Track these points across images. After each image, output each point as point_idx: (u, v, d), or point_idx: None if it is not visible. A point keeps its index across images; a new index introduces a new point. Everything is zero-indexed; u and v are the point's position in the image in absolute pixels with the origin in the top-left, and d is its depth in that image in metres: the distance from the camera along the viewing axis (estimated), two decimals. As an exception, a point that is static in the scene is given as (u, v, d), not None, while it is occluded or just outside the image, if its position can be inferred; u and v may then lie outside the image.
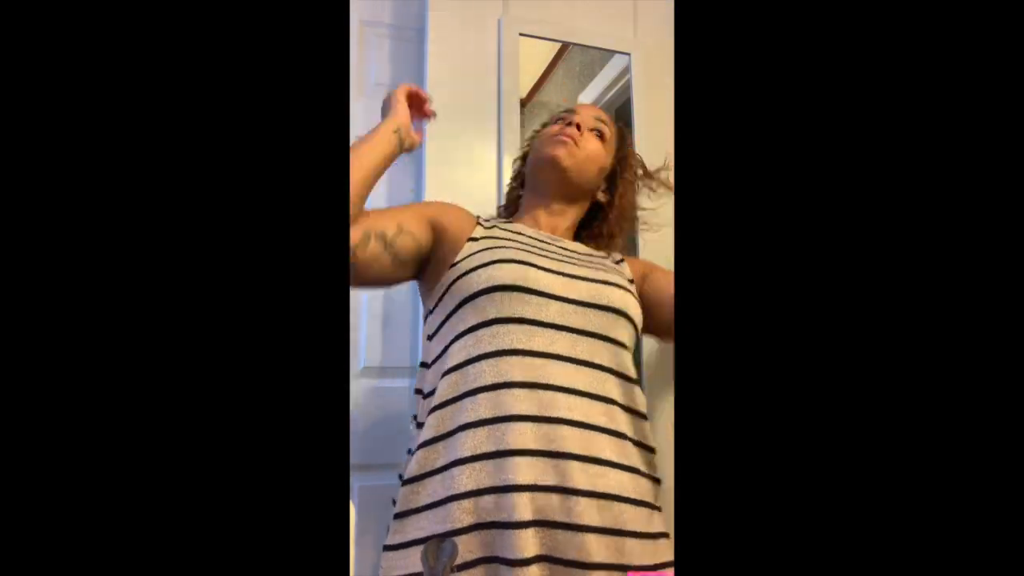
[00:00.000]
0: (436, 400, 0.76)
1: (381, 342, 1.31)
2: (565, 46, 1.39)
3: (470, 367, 0.75)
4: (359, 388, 1.29)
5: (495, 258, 0.79)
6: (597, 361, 0.78)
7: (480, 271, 0.78)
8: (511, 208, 1.05)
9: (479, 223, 0.88)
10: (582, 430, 0.73)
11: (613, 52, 1.40)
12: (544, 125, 1.04)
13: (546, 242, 0.89)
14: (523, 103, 1.34)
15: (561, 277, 0.80)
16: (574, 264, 0.85)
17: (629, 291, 0.85)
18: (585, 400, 0.75)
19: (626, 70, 1.39)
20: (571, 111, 0.99)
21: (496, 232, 0.87)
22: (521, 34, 1.31)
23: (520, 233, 0.89)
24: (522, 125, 1.31)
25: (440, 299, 0.82)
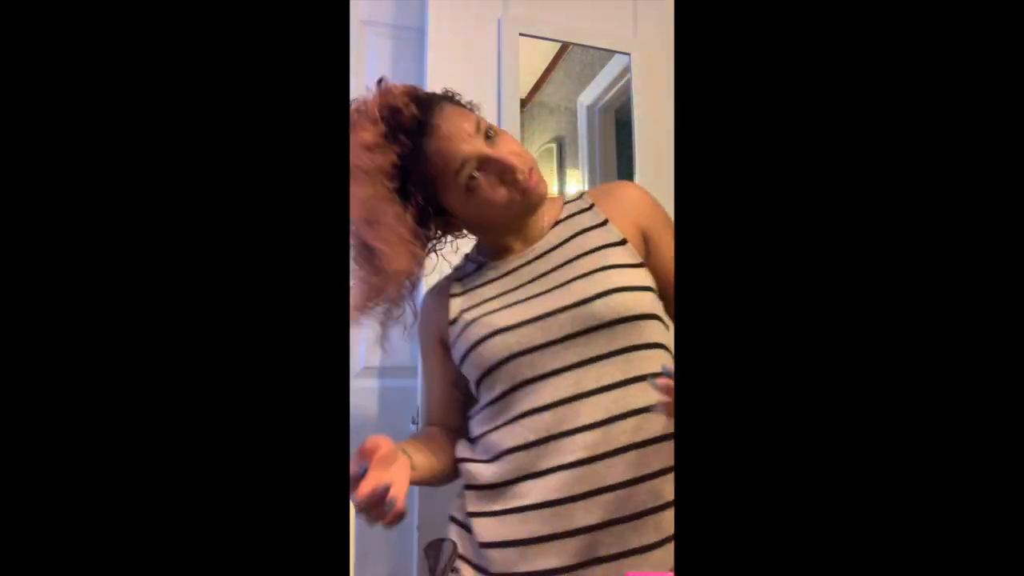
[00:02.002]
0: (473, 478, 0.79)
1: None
2: (565, 46, 1.39)
3: (488, 437, 0.78)
4: (359, 388, 1.29)
5: (473, 341, 0.78)
6: (608, 382, 0.73)
7: (470, 356, 0.79)
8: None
9: (450, 296, 0.85)
10: (605, 460, 0.71)
11: (613, 52, 1.40)
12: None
13: (519, 274, 0.83)
14: (523, 103, 1.34)
15: (538, 321, 0.76)
16: (552, 289, 0.78)
17: (615, 289, 0.75)
18: (600, 431, 0.71)
19: (626, 70, 1.39)
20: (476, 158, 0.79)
21: (467, 301, 0.83)
22: (521, 34, 1.31)
23: (491, 282, 0.84)
24: (522, 125, 1.31)
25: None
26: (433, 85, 1.23)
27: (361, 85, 1.35)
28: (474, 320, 0.79)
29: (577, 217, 0.84)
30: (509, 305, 0.78)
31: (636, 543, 0.69)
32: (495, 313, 0.78)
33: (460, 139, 0.76)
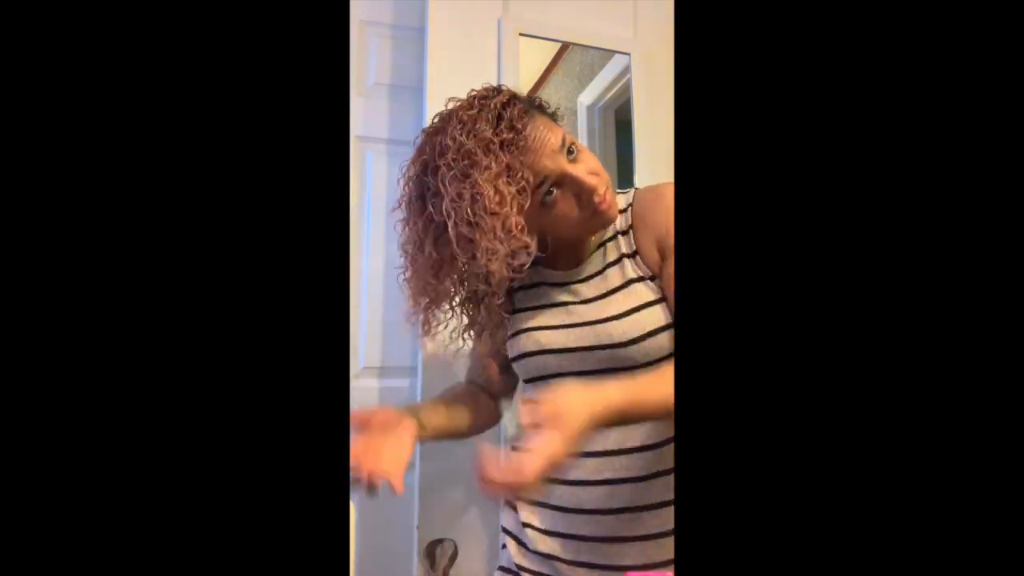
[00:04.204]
0: None
1: (381, 342, 1.31)
2: (565, 46, 1.39)
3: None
4: (359, 388, 1.29)
5: (523, 351, 0.85)
6: None
7: (520, 361, 0.86)
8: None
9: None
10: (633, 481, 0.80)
11: (613, 52, 1.40)
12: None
13: (568, 291, 0.87)
14: (523, 103, 1.34)
15: (578, 352, 0.82)
16: (594, 323, 0.81)
17: (648, 334, 0.78)
18: (624, 457, 0.80)
19: (626, 70, 1.39)
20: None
21: (521, 302, 0.89)
22: (521, 34, 1.30)
23: (543, 288, 0.88)
24: (522, 125, 1.31)
25: None
26: (433, 85, 1.24)
27: (361, 85, 1.36)
28: (526, 330, 0.85)
29: (618, 240, 0.85)
30: (555, 327, 0.83)
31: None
32: (543, 332, 0.84)
33: (544, 153, 0.75)
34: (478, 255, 0.73)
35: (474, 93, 0.80)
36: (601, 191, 0.77)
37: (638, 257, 0.83)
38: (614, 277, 0.83)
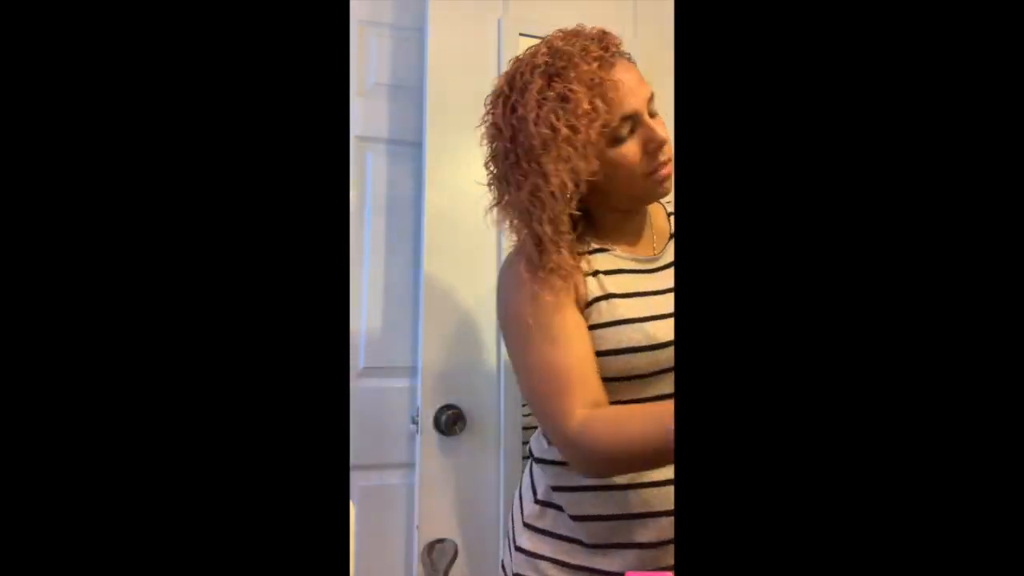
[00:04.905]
0: None
1: (381, 342, 1.31)
2: (565, 46, 1.39)
3: None
4: (359, 388, 1.29)
5: (615, 347, 0.75)
6: None
7: (608, 358, 0.76)
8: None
9: (584, 275, 0.78)
10: None
11: (613, 52, 1.39)
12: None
13: (650, 279, 0.81)
14: (523, 103, 1.34)
15: (662, 349, 0.75)
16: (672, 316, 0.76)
17: None
18: None
19: (626, 70, 1.39)
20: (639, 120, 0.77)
21: (602, 287, 0.79)
22: (521, 34, 1.30)
23: (623, 274, 0.81)
24: (522, 125, 1.31)
25: None
26: (433, 85, 1.24)
27: (361, 85, 1.36)
28: (629, 321, 0.76)
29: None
30: (643, 319, 0.76)
31: None
32: (651, 323, 0.76)
33: (633, 92, 0.76)
34: (548, 163, 0.70)
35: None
36: (669, 154, 0.77)
37: None
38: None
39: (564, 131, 0.70)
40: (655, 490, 0.77)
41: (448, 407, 1.18)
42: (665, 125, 0.78)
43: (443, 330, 1.20)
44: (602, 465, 0.71)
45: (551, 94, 0.72)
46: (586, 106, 0.71)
